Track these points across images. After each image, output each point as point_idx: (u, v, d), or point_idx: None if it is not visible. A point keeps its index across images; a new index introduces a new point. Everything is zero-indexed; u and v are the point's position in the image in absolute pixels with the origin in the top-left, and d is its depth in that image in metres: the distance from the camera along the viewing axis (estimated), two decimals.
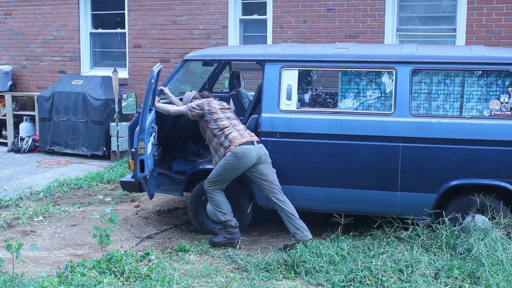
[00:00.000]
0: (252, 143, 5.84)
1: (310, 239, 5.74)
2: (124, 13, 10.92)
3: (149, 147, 6.02)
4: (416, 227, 5.66)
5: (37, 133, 10.73)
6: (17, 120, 11.24)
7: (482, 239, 5.27)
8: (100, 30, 11.33)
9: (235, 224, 5.93)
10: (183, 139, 7.08)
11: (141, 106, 6.23)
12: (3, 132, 11.38)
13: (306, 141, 5.95)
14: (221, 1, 10.06)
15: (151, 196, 6.41)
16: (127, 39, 10.89)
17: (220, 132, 5.94)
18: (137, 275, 5.06)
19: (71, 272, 5.10)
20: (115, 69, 10.05)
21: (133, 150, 5.96)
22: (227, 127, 5.95)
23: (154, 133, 6.25)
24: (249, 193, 6.17)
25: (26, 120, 11.18)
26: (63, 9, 11.28)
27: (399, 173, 5.77)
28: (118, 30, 11.12)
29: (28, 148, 10.68)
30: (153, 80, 5.92)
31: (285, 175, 5.97)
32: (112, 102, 9.91)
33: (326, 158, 5.92)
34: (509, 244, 5.23)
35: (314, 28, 9.46)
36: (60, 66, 11.42)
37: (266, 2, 9.89)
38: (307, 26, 9.52)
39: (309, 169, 5.97)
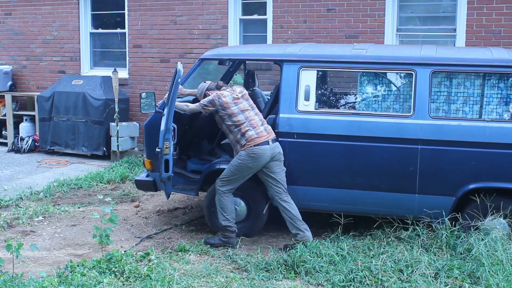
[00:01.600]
0: (267, 142, 5.80)
1: (311, 240, 5.74)
2: (124, 13, 10.91)
3: (171, 147, 6.01)
4: (416, 227, 5.66)
5: (37, 133, 10.73)
6: (17, 120, 11.24)
7: (482, 239, 5.27)
8: (100, 30, 11.33)
9: (234, 230, 5.92)
10: (198, 138, 7.06)
11: (157, 104, 6.19)
12: (3, 132, 11.38)
13: (323, 142, 5.92)
14: (221, 1, 10.06)
15: (168, 196, 6.34)
16: (127, 39, 10.89)
17: (236, 129, 5.86)
18: (137, 275, 5.06)
19: (71, 272, 5.10)
20: (115, 69, 10.05)
21: (158, 149, 5.93)
22: (243, 123, 5.85)
23: (174, 132, 6.24)
24: (265, 194, 6.11)
25: (26, 120, 11.18)
26: (63, 9, 11.28)
27: (417, 175, 5.73)
28: (118, 30, 11.12)
29: (28, 148, 10.68)
30: (179, 80, 5.88)
31: (302, 176, 5.95)
32: (112, 102, 9.90)
33: (343, 160, 5.88)
34: (509, 244, 5.23)
35: (314, 28, 9.46)
36: (60, 66, 11.42)
37: (266, 2, 9.88)
38: (307, 26, 9.52)
39: (326, 170, 5.93)
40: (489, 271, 4.83)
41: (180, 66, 5.97)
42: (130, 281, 4.97)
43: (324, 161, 5.93)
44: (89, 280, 4.89)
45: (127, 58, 10.90)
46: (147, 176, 6.44)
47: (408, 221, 5.76)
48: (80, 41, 11.26)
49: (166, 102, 5.97)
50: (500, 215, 5.61)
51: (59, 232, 6.53)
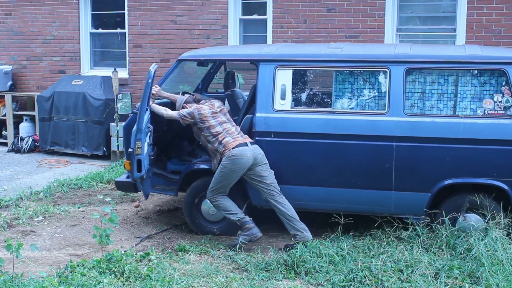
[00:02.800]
0: (245, 144, 5.87)
1: (311, 239, 5.74)
2: (124, 13, 10.91)
3: (145, 147, 6.03)
4: (416, 227, 5.66)
5: (37, 133, 10.73)
6: (17, 120, 11.24)
7: (482, 239, 5.27)
8: (100, 30, 11.33)
9: (250, 219, 5.92)
10: (178, 139, 7.08)
11: (136, 106, 6.24)
12: (3, 132, 11.38)
13: (300, 140, 5.97)
14: (221, 1, 10.06)
15: (146, 196, 6.43)
16: (127, 39, 10.89)
17: (214, 139, 5.97)
18: (137, 275, 5.06)
19: (71, 272, 5.10)
20: (115, 69, 10.05)
21: (130, 150, 5.97)
22: (220, 133, 5.97)
23: (150, 133, 6.26)
24: (244, 193, 6.17)
25: (26, 120, 11.18)
26: (63, 9, 11.28)
27: (393, 172, 5.78)
28: (118, 30, 11.12)
29: (28, 148, 10.68)
30: (150, 80, 5.93)
31: (280, 175, 5.97)
32: (112, 102, 9.90)
33: (320, 158, 5.93)
34: (509, 244, 5.23)
35: (314, 28, 9.46)
36: (60, 66, 11.42)
37: (266, 2, 9.88)
38: (307, 26, 9.52)
39: (303, 168, 5.99)
40: (489, 271, 4.83)
41: (152, 67, 6.03)
42: (130, 281, 4.97)
43: (301, 160, 5.97)
44: (89, 280, 4.89)
45: (127, 58, 10.90)
46: (127, 177, 6.45)
47: (408, 221, 5.77)
48: (80, 41, 11.26)
49: (141, 104, 6.00)
50: (476, 211, 5.67)
51: (59, 232, 6.53)
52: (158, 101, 6.67)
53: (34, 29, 11.58)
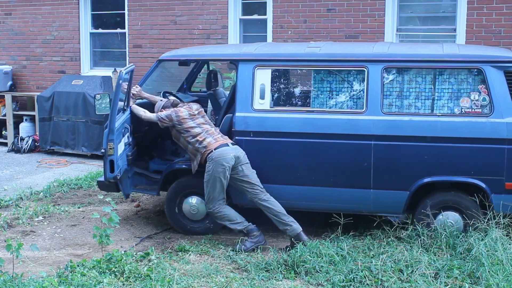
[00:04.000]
0: (226, 145, 5.89)
1: (300, 230, 5.78)
2: (124, 13, 10.92)
3: (120, 148, 6.06)
4: (416, 227, 5.66)
5: (37, 133, 10.72)
6: (17, 120, 11.23)
7: (482, 239, 5.27)
8: (100, 30, 11.33)
9: (255, 227, 5.91)
10: (160, 138, 7.09)
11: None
12: (3, 132, 11.38)
13: (279, 139, 5.99)
14: (221, 1, 10.06)
15: (126, 196, 6.50)
16: (127, 39, 10.89)
17: (193, 140, 6.00)
18: (137, 275, 5.06)
19: (71, 272, 5.10)
20: (115, 69, 10.05)
21: (102, 150, 6.00)
22: (199, 133, 6.01)
23: (128, 133, 6.26)
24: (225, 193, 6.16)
25: (26, 120, 11.18)
26: (63, 9, 11.28)
27: (372, 171, 5.81)
28: (118, 30, 11.12)
29: (28, 148, 10.68)
30: (120, 81, 5.94)
31: (260, 174, 5.98)
32: None
33: (299, 157, 5.96)
34: (509, 244, 5.23)
35: (314, 28, 9.46)
36: (60, 66, 11.42)
37: (266, 2, 9.89)
38: (307, 26, 9.52)
39: (283, 167, 6.01)
40: (489, 271, 4.83)
41: (125, 68, 6.10)
42: (130, 281, 4.97)
43: (280, 159, 6.00)
44: (89, 280, 4.89)
45: (127, 58, 10.90)
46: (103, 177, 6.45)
47: (407, 221, 5.77)
48: (80, 41, 11.26)
49: (112, 105, 6.01)
50: (455, 209, 5.71)
51: (59, 232, 6.53)
52: (139, 101, 6.69)
53: (34, 29, 11.58)
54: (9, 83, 11.53)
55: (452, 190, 5.79)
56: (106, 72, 10.72)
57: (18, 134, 11.04)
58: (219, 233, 6.33)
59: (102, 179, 6.44)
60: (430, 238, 5.59)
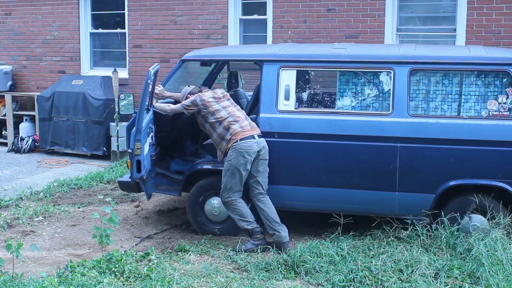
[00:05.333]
0: (253, 137, 5.81)
1: (286, 241, 5.77)
2: (124, 13, 10.91)
3: (146, 148, 6.02)
4: (416, 227, 5.66)
5: (37, 133, 10.73)
6: (17, 120, 11.24)
7: (482, 239, 5.27)
8: (100, 30, 11.33)
9: (261, 230, 5.89)
10: (181, 138, 7.08)
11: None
12: (3, 132, 11.38)
13: (304, 141, 5.95)
14: (221, 1, 10.06)
15: (149, 197, 6.43)
16: (127, 39, 10.89)
17: (220, 125, 5.88)
18: (137, 275, 5.06)
19: (71, 272, 5.10)
20: (115, 69, 10.04)
21: (129, 150, 5.96)
22: (225, 118, 5.88)
23: (152, 133, 6.24)
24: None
25: (26, 120, 11.18)
26: (63, 9, 11.27)
27: (397, 173, 5.77)
28: (118, 30, 11.12)
29: (28, 148, 10.68)
30: (149, 81, 5.92)
31: (283, 176, 5.96)
32: (112, 102, 9.90)
33: (324, 159, 5.91)
34: (509, 244, 5.23)
35: (314, 28, 9.46)
36: (60, 66, 11.42)
37: (266, 2, 9.89)
38: (307, 26, 9.52)
39: (307, 169, 5.97)
40: (489, 271, 4.83)
41: (152, 68, 6.02)
42: (130, 281, 4.97)
43: (305, 160, 5.96)
44: (89, 280, 4.89)
45: (127, 58, 10.90)
46: (130, 177, 6.45)
47: (407, 221, 5.77)
48: (80, 41, 11.26)
49: (140, 104, 5.97)
50: (481, 212, 5.65)
51: (59, 232, 6.53)
52: (162, 101, 6.66)
53: (34, 29, 11.58)
54: (9, 83, 11.53)
55: (478, 193, 5.67)
56: (106, 72, 10.72)
57: (18, 134, 11.05)
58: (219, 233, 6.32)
59: (123, 179, 6.41)
60: (430, 238, 5.58)
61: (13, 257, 4.96)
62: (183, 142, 7.10)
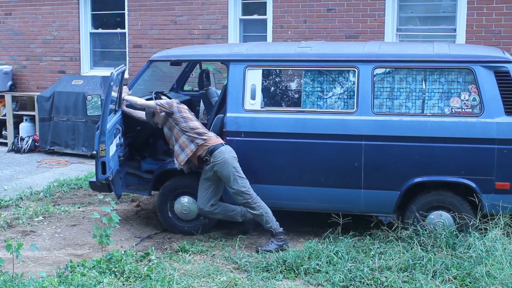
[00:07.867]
0: (222, 144, 5.90)
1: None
2: (124, 13, 10.92)
3: (112, 149, 6.06)
4: (416, 227, 5.66)
5: (37, 133, 10.72)
6: (17, 120, 11.23)
7: (482, 239, 5.27)
8: (100, 30, 11.34)
9: (282, 230, 5.90)
10: (152, 138, 7.08)
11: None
12: (3, 132, 11.38)
13: (270, 140, 6.00)
14: (221, 1, 10.06)
15: (118, 197, 6.48)
16: (127, 39, 10.89)
17: (191, 130, 5.91)
18: (137, 275, 5.06)
19: (71, 272, 5.10)
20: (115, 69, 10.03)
21: (94, 152, 6.00)
22: (198, 127, 5.95)
23: (120, 134, 6.25)
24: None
25: (26, 120, 11.18)
26: (63, 9, 11.28)
27: (362, 171, 5.81)
28: (118, 30, 11.13)
29: (28, 148, 10.68)
30: (111, 83, 5.90)
31: (251, 174, 5.98)
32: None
33: (290, 157, 5.96)
34: (509, 244, 5.23)
35: (314, 28, 9.46)
36: (60, 66, 11.42)
37: (266, 2, 9.89)
38: (307, 26, 9.52)
39: (274, 168, 6.02)
40: (488, 271, 4.83)
41: (115, 69, 6.03)
42: (130, 281, 4.97)
43: (271, 159, 6.00)
44: (89, 280, 4.89)
45: (127, 58, 10.90)
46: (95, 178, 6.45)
47: (407, 221, 5.77)
48: (80, 41, 11.26)
49: (103, 106, 5.99)
50: (445, 209, 5.72)
51: (59, 232, 6.53)
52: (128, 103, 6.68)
53: (34, 29, 11.58)
54: (9, 83, 11.53)
55: (443, 190, 5.78)
56: (106, 72, 10.68)
57: (18, 134, 11.05)
58: (219, 233, 6.32)
59: (94, 179, 6.42)
60: (429, 238, 5.58)
61: (13, 257, 4.97)
62: (155, 142, 7.10)
